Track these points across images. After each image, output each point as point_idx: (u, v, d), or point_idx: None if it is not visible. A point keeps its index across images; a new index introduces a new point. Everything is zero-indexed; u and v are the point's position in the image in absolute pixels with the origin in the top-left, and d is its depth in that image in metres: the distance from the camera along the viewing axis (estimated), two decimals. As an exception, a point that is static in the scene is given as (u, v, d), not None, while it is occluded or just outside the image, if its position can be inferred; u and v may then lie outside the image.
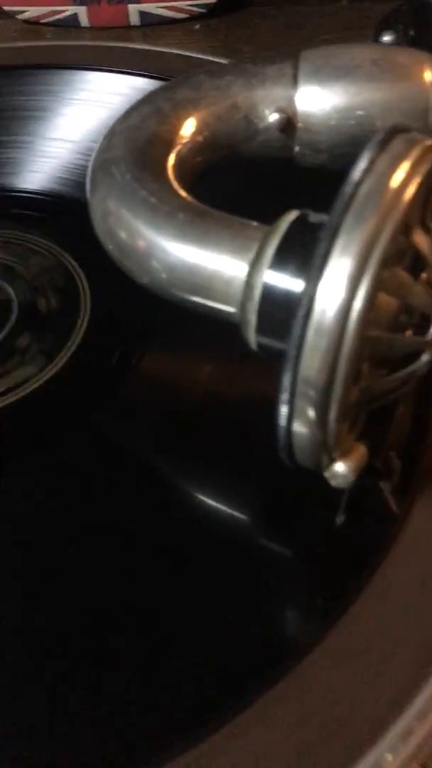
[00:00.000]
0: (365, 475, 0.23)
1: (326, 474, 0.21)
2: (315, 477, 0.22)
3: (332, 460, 0.21)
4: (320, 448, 0.20)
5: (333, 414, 0.19)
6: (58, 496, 0.26)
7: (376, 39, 0.44)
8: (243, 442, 0.27)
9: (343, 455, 0.21)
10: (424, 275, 0.20)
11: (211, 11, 0.50)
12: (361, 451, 0.21)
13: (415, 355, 0.21)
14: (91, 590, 0.23)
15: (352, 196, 0.18)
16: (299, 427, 0.19)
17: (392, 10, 0.47)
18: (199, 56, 0.42)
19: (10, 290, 0.32)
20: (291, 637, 0.23)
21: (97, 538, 0.24)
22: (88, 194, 0.26)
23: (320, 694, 0.21)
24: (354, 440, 0.21)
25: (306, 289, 0.18)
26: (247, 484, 0.27)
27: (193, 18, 0.50)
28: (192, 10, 0.50)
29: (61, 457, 0.27)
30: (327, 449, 0.20)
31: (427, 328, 0.21)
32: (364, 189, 0.18)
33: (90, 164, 0.26)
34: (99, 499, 0.26)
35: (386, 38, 0.45)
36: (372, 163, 0.18)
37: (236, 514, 0.26)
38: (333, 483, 0.21)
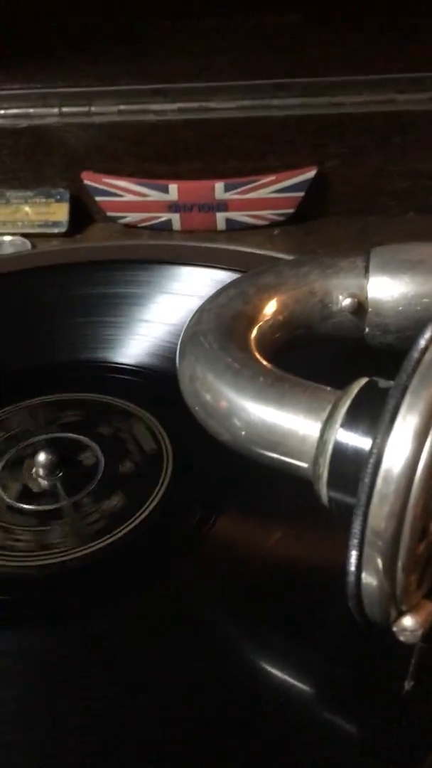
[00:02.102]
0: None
1: (394, 628, 0.21)
2: (384, 645, 0.22)
3: (400, 614, 0.21)
4: (388, 598, 0.20)
5: (401, 563, 0.20)
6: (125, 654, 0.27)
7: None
8: (313, 610, 0.27)
9: (411, 610, 0.21)
10: None
11: (289, 219, 0.56)
12: (429, 608, 0.22)
13: None
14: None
15: (419, 360, 0.20)
16: (368, 577, 0.20)
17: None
18: (278, 255, 0.47)
19: (98, 450, 0.35)
20: None
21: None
22: (177, 361, 0.29)
23: None
24: (422, 597, 0.22)
25: (376, 440, 0.19)
26: (316, 653, 0.27)
27: (274, 224, 0.57)
28: (273, 218, 0.56)
29: (128, 617, 0.28)
30: (395, 601, 0.21)
31: None
32: (429, 355, 0.20)
33: (181, 336, 0.29)
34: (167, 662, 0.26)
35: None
36: (436, 333, 0.20)
37: (304, 686, 0.26)
38: (401, 638, 0.21)
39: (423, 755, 0.23)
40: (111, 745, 0.24)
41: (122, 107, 0.56)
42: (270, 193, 0.55)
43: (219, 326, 0.28)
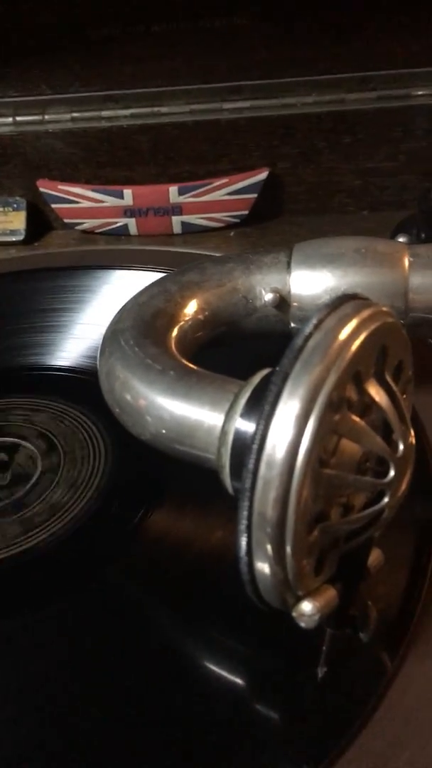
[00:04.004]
0: (344, 624, 0.24)
1: (294, 613, 0.21)
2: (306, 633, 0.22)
3: (298, 599, 0.21)
4: (282, 583, 0.21)
5: (289, 548, 0.20)
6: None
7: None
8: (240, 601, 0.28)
9: (310, 595, 0.21)
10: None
11: (244, 221, 0.57)
12: (329, 594, 0.22)
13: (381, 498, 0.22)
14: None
15: (301, 347, 0.20)
16: (259, 561, 0.20)
17: (407, 216, 0.52)
18: (207, 253, 0.47)
19: (34, 449, 0.35)
20: None
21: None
22: (98, 359, 0.29)
23: None
24: (323, 582, 0.22)
25: (259, 426, 0.20)
26: (241, 643, 0.27)
27: (229, 226, 0.57)
28: (228, 220, 0.57)
29: (65, 609, 0.28)
30: (289, 586, 0.21)
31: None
32: (312, 342, 0.20)
33: (103, 334, 0.30)
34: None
35: (401, 239, 0.50)
36: (321, 321, 0.21)
37: (228, 675, 0.26)
38: (302, 623, 0.21)
39: (337, 739, 0.23)
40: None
41: (75, 114, 0.57)
42: (223, 195, 0.56)
43: (137, 324, 0.29)
